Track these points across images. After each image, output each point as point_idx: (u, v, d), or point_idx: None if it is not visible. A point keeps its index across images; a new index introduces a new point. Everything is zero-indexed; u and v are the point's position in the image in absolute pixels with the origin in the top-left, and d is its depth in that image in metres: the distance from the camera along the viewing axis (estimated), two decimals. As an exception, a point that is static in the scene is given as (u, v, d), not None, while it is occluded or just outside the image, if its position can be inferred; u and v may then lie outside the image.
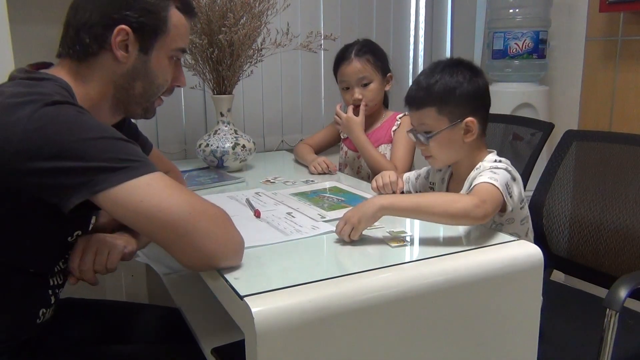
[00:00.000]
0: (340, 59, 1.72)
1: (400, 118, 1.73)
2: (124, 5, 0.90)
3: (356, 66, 1.68)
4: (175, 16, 0.96)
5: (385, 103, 1.81)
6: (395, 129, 1.71)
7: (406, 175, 1.47)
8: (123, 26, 0.90)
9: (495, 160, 1.18)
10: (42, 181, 0.75)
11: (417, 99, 1.21)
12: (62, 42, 0.94)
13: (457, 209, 0.98)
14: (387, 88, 1.76)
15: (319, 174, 1.63)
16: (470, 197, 1.02)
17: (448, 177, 1.32)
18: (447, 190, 1.30)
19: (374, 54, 1.70)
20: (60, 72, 0.92)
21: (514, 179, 1.13)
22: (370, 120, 1.77)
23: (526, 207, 1.23)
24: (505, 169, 1.12)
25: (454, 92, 1.17)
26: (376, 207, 0.98)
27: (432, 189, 1.37)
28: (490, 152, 1.24)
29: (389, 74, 1.74)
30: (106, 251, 0.93)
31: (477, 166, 1.18)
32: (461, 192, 1.21)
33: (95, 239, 0.93)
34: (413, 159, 1.68)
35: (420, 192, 1.40)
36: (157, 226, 0.79)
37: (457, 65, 1.21)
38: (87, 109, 0.87)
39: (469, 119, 1.18)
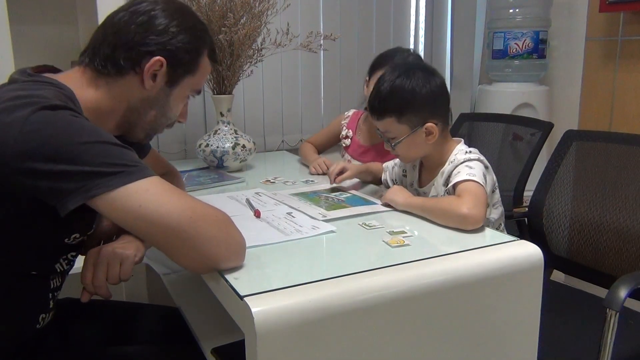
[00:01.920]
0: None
1: None
2: (168, 37, 0.93)
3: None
4: (204, 60, 1.00)
5: None
6: None
7: (386, 164, 1.50)
8: (161, 58, 0.92)
9: (467, 152, 1.23)
10: (37, 184, 0.75)
11: (376, 110, 1.26)
12: (92, 53, 0.93)
13: (452, 215, 1.08)
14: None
15: (319, 174, 1.63)
16: (462, 203, 1.08)
17: (419, 164, 1.37)
18: (419, 177, 1.37)
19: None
20: (73, 77, 0.91)
21: (486, 167, 1.21)
22: (374, 131, 1.73)
23: (497, 191, 1.31)
24: (478, 159, 1.20)
25: (410, 101, 1.21)
26: (400, 203, 1.21)
27: (404, 176, 1.43)
28: (457, 142, 1.29)
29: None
30: (118, 263, 0.90)
31: (451, 159, 1.24)
32: (435, 183, 1.28)
33: (106, 252, 0.90)
34: None
35: (395, 180, 1.47)
36: (158, 231, 0.79)
37: (411, 70, 1.24)
38: (91, 117, 0.86)
39: (429, 124, 1.22)
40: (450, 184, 1.18)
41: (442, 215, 1.10)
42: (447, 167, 1.23)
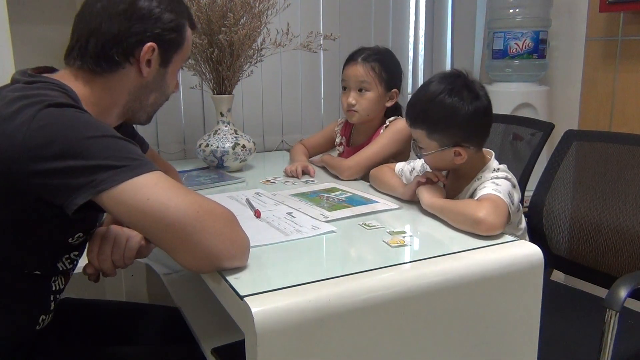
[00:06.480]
0: (349, 59, 1.65)
1: (390, 121, 1.64)
2: (153, 21, 0.93)
3: (359, 70, 1.60)
4: (187, 31, 1.01)
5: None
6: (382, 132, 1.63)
7: (399, 166, 1.44)
8: (152, 43, 0.93)
9: (494, 170, 1.20)
10: (46, 182, 0.75)
11: (410, 117, 1.23)
12: (80, 52, 0.92)
13: (468, 217, 1.05)
14: (388, 104, 1.64)
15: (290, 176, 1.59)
16: (480, 208, 1.05)
17: (445, 173, 1.33)
18: (445, 186, 1.30)
19: (383, 65, 1.61)
20: (69, 78, 0.91)
21: (514, 185, 1.17)
22: (365, 135, 1.69)
23: (521, 208, 1.26)
24: (505, 178, 1.17)
25: (445, 120, 1.16)
26: (423, 202, 1.19)
27: None
28: (488, 156, 1.25)
29: (393, 90, 1.64)
30: (124, 241, 0.92)
31: (478, 176, 1.21)
32: (459, 198, 1.24)
33: (113, 230, 0.93)
34: (376, 164, 1.53)
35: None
36: (163, 225, 0.78)
37: (456, 89, 1.16)
38: (94, 113, 0.87)
39: (459, 148, 1.18)
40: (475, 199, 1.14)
41: (458, 217, 1.08)
42: (473, 184, 1.21)
